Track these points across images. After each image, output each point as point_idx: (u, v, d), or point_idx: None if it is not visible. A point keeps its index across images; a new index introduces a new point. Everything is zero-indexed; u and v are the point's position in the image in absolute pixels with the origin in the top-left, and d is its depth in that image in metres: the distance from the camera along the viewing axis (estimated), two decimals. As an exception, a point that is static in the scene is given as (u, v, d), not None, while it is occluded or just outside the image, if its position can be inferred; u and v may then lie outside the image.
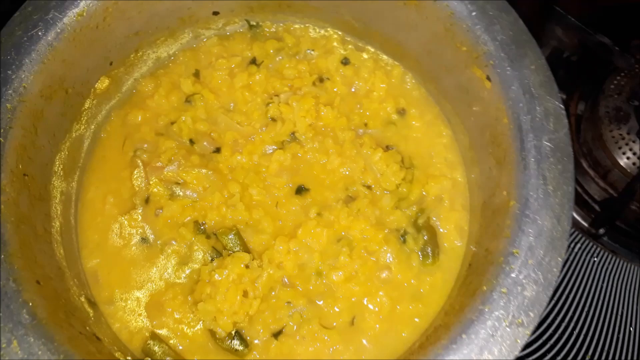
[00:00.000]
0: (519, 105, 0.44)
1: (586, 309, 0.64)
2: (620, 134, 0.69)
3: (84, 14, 0.49)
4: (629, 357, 0.61)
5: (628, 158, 0.68)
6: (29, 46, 0.47)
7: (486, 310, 0.37)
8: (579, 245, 0.68)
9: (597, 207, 0.69)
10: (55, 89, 0.49)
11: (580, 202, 0.70)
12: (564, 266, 0.66)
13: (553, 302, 0.64)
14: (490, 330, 0.37)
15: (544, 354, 0.62)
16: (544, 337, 0.62)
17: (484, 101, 0.47)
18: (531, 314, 0.37)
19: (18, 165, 0.45)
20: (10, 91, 0.45)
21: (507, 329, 0.37)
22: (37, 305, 0.40)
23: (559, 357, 0.61)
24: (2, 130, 0.44)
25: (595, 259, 0.67)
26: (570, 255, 0.67)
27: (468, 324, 0.37)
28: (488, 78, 0.46)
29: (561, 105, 0.43)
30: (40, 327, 0.39)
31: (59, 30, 0.48)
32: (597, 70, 0.73)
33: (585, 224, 0.68)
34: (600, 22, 0.73)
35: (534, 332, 0.52)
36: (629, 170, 0.68)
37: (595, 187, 0.71)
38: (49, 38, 0.47)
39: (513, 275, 0.38)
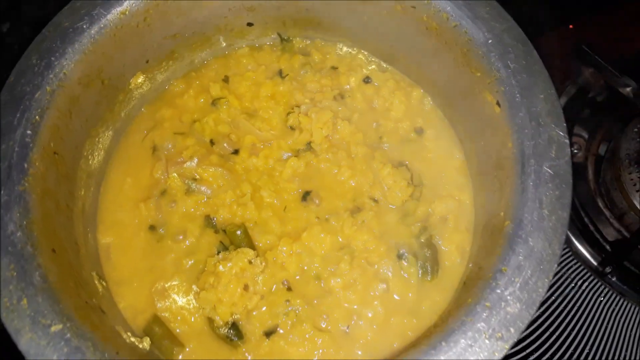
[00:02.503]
0: (524, 132, 0.45)
1: (588, 346, 0.64)
2: (639, 177, 0.68)
3: (127, 12, 0.53)
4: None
5: (645, 203, 0.67)
6: (73, 37, 0.51)
7: (468, 321, 0.38)
8: (586, 283, 0.67)
9: (608, 247, 0.68)
10: (92, 78, 0.53)
11: (592, 241, 0.69)
12: (569, 302, 0.66)
13: (556, 335, 0.64)
14: (470, 341, 0.38)
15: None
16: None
17: (493, 126, 0.49)
18: (512, 330, 0.38)
19: (50, 143, 0.49)
20: (51, 75, 0.49)
21: (487, 341, 0.37)
22: (49, 271, 0.43)
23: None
24: (40, 110, 0.48)
25: (602, 298, 0.67)
26: (577, 292, 0.67)
27: (449, 333, 0.38)
28: (498, 103, 0.48)
29: (565, 135, 0.44)
30: (50, 290, 0.42)
31: (102, 25, 0.52)
32: (621, 113, 0.73)
33: (595, 263, 0.68)
34: (628, 65, 0.73)
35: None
36: (645, 216, 0.67)
37: (610, 228, 0.70)
38: (92, 31, 0.52)
39: (498, 291, 0.39)
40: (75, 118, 0.52)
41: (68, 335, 0.40)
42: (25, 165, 0.46)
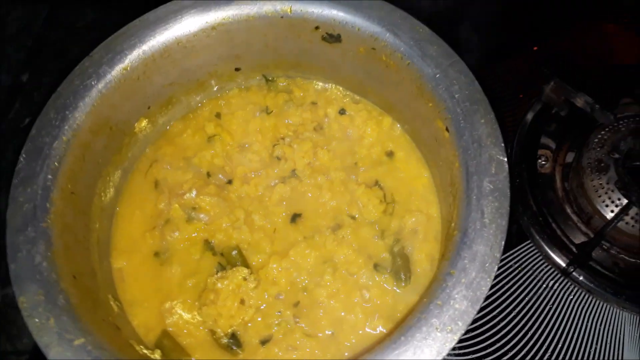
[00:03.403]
0: (468, 152, 0.52)
1: (561, 341, 0.69)
2: (601, 184, 0.74)
3: (128, 68, 0.62)
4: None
5: (607, 206, 0.73)
6: (83, 92, 0.60)
7: (423, 318, 0.45)
8: (557, 283, 0.73)
9: (575, 250, 0.74)
10: (101, 126, 0.62)
11: (561, 245, 0.75)
12: (542, 301, 0.72)
13: (531, 332, 0.70)
14: (424, 334, 0.44)
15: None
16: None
17: (445, 148, 0.56)
18: (460, 323, 0.45)
19: (68, 185, 0.57)
20: (66, 127, 0.58)
21: (438, 333, 0.44)
22: (71, 294, 0.51)
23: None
24: (58, 157, 0.57)
25: (572, 297, 0.72)
26: (549, 292, 0.72)
27: (407, 329, 0.45)
28: (447, 129, 0.55)
29: (503, 154, 0.52)
30: (72, 310, 0.49)
31: (107, 80, 0.61)
32: (582, 125, 0.80)
33: (564, 265, 0.73)
34: (584, 81, 0.80)
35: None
36: (607, 217, 0.73)
37: (578, 232, 0.76)
38: (99, 87, 0.60)
39: (448, 291, 0.46)
40: (88, 161, 0.61)
41: (89, 347, 0.47)
42: (48, 205, 0.54)
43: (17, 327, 0.75)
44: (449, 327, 0.45)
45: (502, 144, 0.52)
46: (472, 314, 0.45)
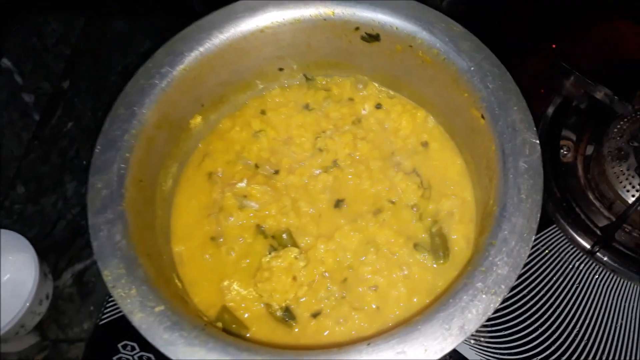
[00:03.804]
0: (504, 136, 0.58)
1: (588, 318, 0.74)
2: (622, 170, 0.79)
3: (187, 68, 0.68)
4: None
5: (628, 191, 0.78)
6: (149, 90, 0.66)
7: (469, 282, 0.50)
8: (583, 264, 0.78)
9: (599, 232, 0.79)
10: (163, 121, 0.68)
11: (584, 227, 0.80)
12: (569, 281, 0.77)
13: (560, 309, 0.75)
14: (470, 296, 0.50)
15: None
16: (552, 344, 0.72)
17: (481, 134, 0.62)
18: (502, 286, 0.50)
19: (137, 173, 0.63)
20: (135, 121, 0.64)
21: (483, 295, 0.49)
22: (148, 268, 0.57)
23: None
24: (129, 148, 0.63)
25: (597, 276, 0.77)
26: (575, 272, 0.77)
27: (454, 293, 0.50)
28: (482, 117, 0.61)
29: (536, 137, 0.57)
30: (150, 281, 0.55)
31: (169, 79, 0.67)
32: (602, 117, 0.85)
33: (588, 247, 0.78)
34: (602, 75, 0.85)
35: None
36: (628, 202, 0.78)
37: (601, 216, 0.81)
38: (162, 85, 0.66)
39: (490, 259, 0.51)
40: (152, 154, 0.67)
41: (169, 313, 0.53)
42: (123, 191, 0.60)
43: (69, 317, 0.81)
44: (493, 290, 0.50)
45: (534, 128, 0.57)
46: (513, 278, 0.50)
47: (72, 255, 0.87)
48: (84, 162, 0.97)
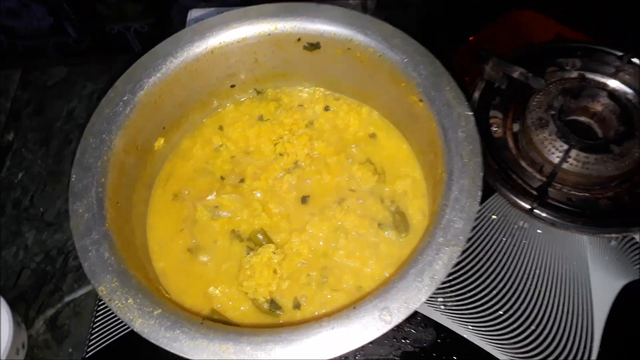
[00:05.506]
0: (441, 114, 0.66)
1: (536, 268, 0.83)
2: (545, 137, 0.89)
3: (147, 93, 0.73)
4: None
5: (552, 153, 0.88)
6: (114, 118, 0.70)
7: (432, 240, 0.58)
8: (526, 222, 0.87)
9: (534, 192, 0.89)
10: (130, 146, 0.72)
11: (522, 191, 0.89)
12: (514, 237, 0.85)
13: (508, 264, 0.83)
14: (435, 251, 0.57)
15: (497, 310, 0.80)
16: (510, 297, 0.80)
17: (421, 116, 0.70)
18: (461, 238, 0.57)
19: (113, 196, 0.67)
20: (105, 148, 0.68)
21: (446, 248, 0.57)
22: (140, 278, 0.60)
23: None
24: (103, 174, 0.67)
25: (539, 231, 0.87)
26: (519, 230, 0.86)
27: (421, 250, 0.57)
28: (420, 100, 0.69)
29: (469, 110, 0.66)
30: (145, 290, 0.59)
31: (132, 106, 0.71)
32: (522, 93, 0.96)
33: (528, 207, 0.88)
34: (516, 57, 0.97)
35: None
36: (555, 162, 0.88)
37: (535, 179, 0.91)
38: (127, 112, 0.71)
39: (447, 217, 0.59)
40: (123, 178, 0.71)
41: (167, 314, 0.57)
42: (104, 213, 0.64)
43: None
44: (453, 242, 0.57)
45: (466, 103, 0.66)
46: (468, 230, 0.58)
47: (42, 302, 0.87)
48: (41, 210, 0.98)
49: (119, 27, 1.18)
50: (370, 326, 0.55)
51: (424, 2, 1.11)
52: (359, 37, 0.73)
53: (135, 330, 0.56)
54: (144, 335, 0.56)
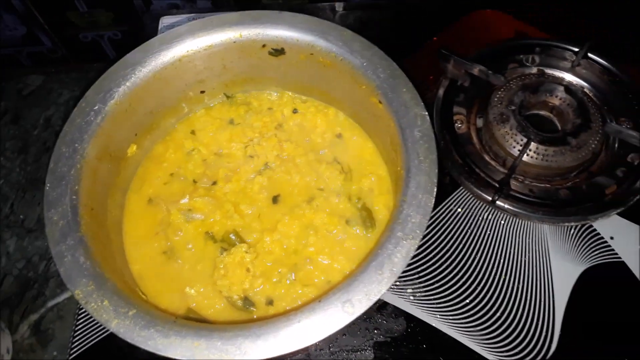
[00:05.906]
0: (399, 114, 0.69)
1: (499, 257, 0.87)
2: (506, 131, 0.93)
3: (118, 102, 0.75)
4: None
5: (514, 147, 0.92)
6: (86, 127, 0.72)
7: (391, 234, 0.61)
8: (489, 214, 0.91)
9: (497, 185, 0.93)
10: (103, 153, 0.74)
11: (485, 184, 0.92)
12: (478, 228, 0.89)
13: (473, 254, 0.86)
14: (394, 245, 0.60)
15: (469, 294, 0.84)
16: (477, 286, 0.84)
17: (381, 117, 0.73)
18: (417, 231, 0.61)
19: (87, 203, 0.69)
20: (78, 156, 0.70)
21: (404, 242, 0.60)
22: (115, 281, 0.63)
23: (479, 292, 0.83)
24: (76, 181, 0.69)
25: (502, 222, 0.91)
26: (483, 221, 0.90)
27: (381, 244, 0.61)
28: (380, 102, 0.73)
29: (424, 110, 0.69)
30: (120, 292, 0.61)
31: (103, 115, 0.73)
32: (484, 90, 0.99)
33: (490, 198, 0.92)
34: (477, 56, 1.01)
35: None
36: (515, 155, 0.92)
37: (498, 172, 0.95)
38: (98, 121, 0.73)
39: (404, 212, 0.62)
40: (98, 184, 0.73)
41: (142, 314, 0.60)
42: (78, 219, 0.66)
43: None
44: (411, 236, 0.61)
45: (422, 104, 0.70)
46: (425, 224, 0.62)
47: (25, 307, 0.89)
48: (21, 217, 1.00)
49: (92, 35, 1.20)
50: (334, 318, 0.58)
51: (389, 6, 1.14)
52: (320, 42, 0.77)
53: (111, 330, 0.59)
54: (120, 335, 0.59)
